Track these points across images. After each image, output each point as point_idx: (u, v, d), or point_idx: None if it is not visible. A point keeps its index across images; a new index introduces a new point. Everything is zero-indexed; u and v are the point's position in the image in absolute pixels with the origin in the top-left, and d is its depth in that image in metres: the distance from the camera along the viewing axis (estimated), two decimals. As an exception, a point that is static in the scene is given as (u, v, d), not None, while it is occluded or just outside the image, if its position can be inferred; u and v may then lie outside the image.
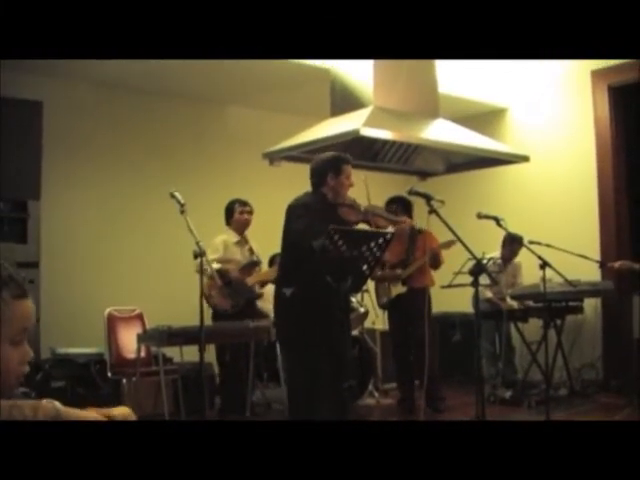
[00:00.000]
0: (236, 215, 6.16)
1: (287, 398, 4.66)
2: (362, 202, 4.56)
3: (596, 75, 7.28)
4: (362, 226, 4.69)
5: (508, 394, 6.55)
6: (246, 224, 6.19)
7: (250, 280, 5.97)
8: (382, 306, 6.60)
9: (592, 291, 6.84)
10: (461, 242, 4.26)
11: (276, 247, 5.92)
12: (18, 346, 1.24)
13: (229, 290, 5.83)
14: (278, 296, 4.49)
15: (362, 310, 6.78)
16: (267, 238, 6.23)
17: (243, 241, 6.19)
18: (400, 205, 6.36)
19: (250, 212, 6.19)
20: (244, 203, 6.19)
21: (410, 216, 6.46)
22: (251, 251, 6.15)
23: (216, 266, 5.43)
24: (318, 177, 4.49)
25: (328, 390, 4.31)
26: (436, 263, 6.35)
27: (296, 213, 4.34)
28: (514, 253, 7.00)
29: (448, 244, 5.83)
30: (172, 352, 6.11)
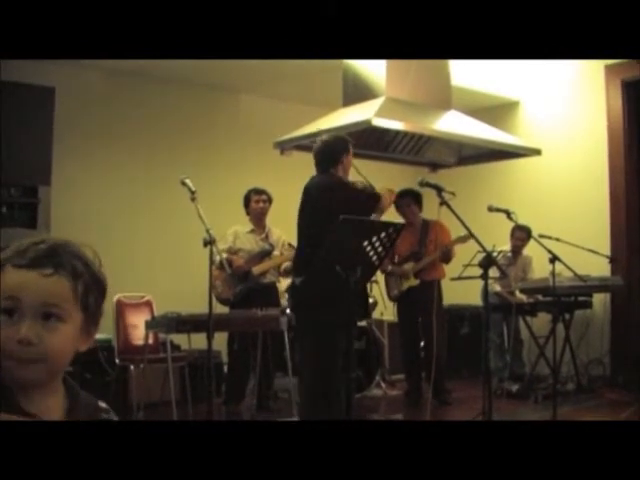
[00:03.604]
0: (252, 204, 6.16)
1: (299, 389, 4.67)
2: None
3: (609, 69, 7.24)
4: None
5: (515, 388, 6.55)
6: (262, 212, 6.17)
7: (256, 269, 5.97)
8: (393, 298, 6.59)
9: (601, 286, 6.83)
10: (471, 234, 4.27)
11: (287, 235, 5.96)
12: (11, 322, 1.16)
13: (232, 279, 5.84)
14: (291, 285, 4.53)
15: (370, 301, 6.78)
16: (277, 226, 6.26)
17: (259, 230, 6.18)
18: (411, 198, 6.38)
19: (266, 200, 6.17)
20: (260, 192, 6.18)
21: (421, 208, 6.48)
22: (265, 240, 6.14)
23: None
24: (332, 157, 4.49)
25: (337, 379, 4.32)
26: (447, 258, 6.36)
27: (342, 187, 4.38)
28: (521, 241, 6.98)
29: (464, 239, 5.81)
30: (180, 339, 6.13)
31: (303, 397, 4.62)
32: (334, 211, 4.04)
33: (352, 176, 4.58)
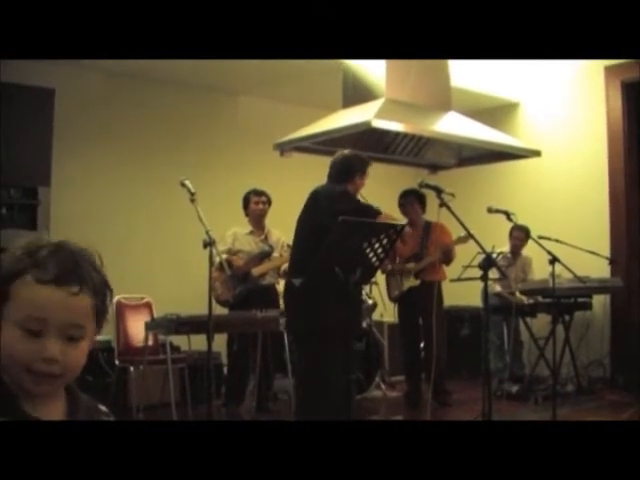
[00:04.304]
0: (251, 205, 6.15)
1: (294, 389, 4.66)
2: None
3: (609, 71, 7.24)
4: None
5: (515, 389, 6.54)
6: (261, 214, 6.17)
7: (256, 270, 5.97)
8: (393, 299, 6.58)
9: (601, 287, 6.82)
10: (471, 236, 4.27)
11: (286, 236, 5.96)
12: (34, 337, 1.14)
13: (232, 281, 5.84)
14: (287, 286, 4.51)
15: (370, 302, 6.78)
16: (276, 228, 6.25)
17: (259, 231, 6.18)
18: (415, 197, 6.38)
19: (265, 202, 6.17)
20: (259, 193, 6.17)
21: (424, 209, 6.47)
22: (264, 241, 6.13)
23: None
24: (347, 173, 4.55)
25: (335, 381, 4.31)
26: (448, 259, 6.36)
27: (344, 200, 4.39)
28: (519, 241, 6.98)
29: (465, 239, 5.80)
30: (180, 341, 6.13)
31: (300, 398, 4.61)
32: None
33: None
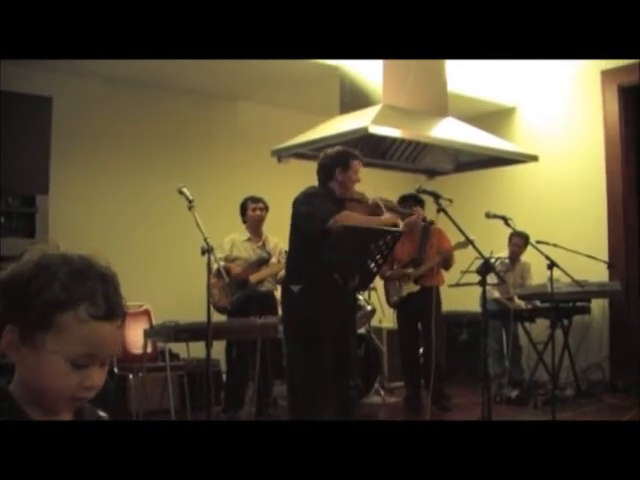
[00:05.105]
0: (249, 212, 6.15)
1: (288, 394, 4.63)
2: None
3: (606, 75, 7.25)
4: None
5: (514, 393, 6.53)
6: (259, 220, 6.17)
7: (254, 277, 5.97)
8: (392, 304, 6.58)
9: (600, 292, 6.82)
10: (469, 241, 4.27)
11: (284, 243, 5.96)
12: (79, 369, 1.15)
13: (230, 288, 5.84)
14: (285, 292, 4.48)
15: (369, 308, 6.77)
16: (274, 235, 6.25)
17: (256, 238, 6.18)
18: (414, 202, 6.37)
19: (263, 208, 6.17)
20: (257, 200, 6.17)
21: (422, 214, 6.48)
22: (262, 248, 6.13)
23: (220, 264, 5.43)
24: (326, 172, 4.48)
25: (333, 388, 4.31)
26: (448, 264, 6.35)
27: (303, 202, 4.33)
28: (518, 247, 6.98)
29: (464, 244, 5.79)
30: (179, 348, 6.12)
31: (296, 397, 4.59)
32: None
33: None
